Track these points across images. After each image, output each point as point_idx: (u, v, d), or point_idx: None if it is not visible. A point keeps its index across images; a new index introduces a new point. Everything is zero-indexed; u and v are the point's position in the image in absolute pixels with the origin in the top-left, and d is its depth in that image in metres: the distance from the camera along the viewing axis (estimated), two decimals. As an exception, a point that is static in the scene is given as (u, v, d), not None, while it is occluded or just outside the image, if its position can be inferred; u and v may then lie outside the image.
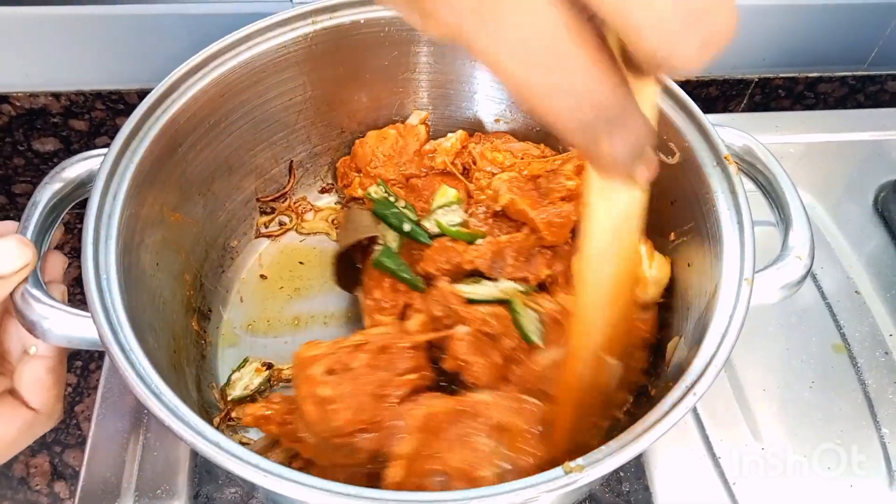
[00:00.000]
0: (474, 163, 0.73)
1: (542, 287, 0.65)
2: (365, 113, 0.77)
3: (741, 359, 0.71)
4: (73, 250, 0.85)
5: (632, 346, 0.60)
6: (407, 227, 0.67)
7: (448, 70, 0.73)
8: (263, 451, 0.58)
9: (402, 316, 0.64)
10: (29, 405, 0.51)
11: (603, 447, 0.45)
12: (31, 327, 0.49)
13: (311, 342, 0.57)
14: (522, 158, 0.72)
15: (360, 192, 0.74)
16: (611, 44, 0.29)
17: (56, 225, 0.55)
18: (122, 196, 0.54)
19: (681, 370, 0.49)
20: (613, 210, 0.39)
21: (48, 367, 0.52)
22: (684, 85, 0.74)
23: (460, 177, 0.73)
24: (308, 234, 0.78)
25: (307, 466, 0.56)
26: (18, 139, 0.86)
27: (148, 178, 0.57)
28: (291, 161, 0.77)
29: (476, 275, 0.65)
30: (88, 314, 0.48)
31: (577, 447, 0.47)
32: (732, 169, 0.56)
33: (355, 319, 0.72)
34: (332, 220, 0.79)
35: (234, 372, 0.67)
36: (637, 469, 0.65)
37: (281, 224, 0.79)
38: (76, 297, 0.74)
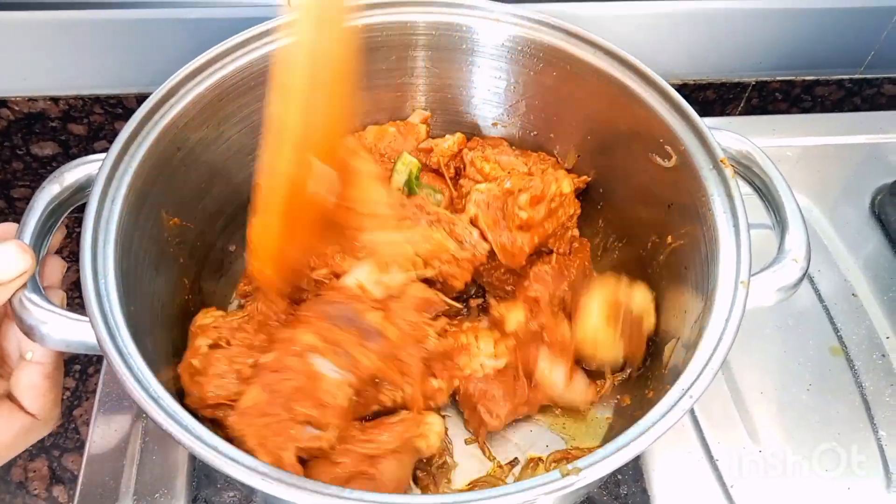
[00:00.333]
0: (464, 169, 0.74)
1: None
2: (363, 117, 0.77)
3: (738, 361, 0.71)
4: (71, 254, 0.85)
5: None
6: None
7: (445, 74, 0.74)
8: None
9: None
10: (26, 410, 0.51)
11: (600, 450, 0.45)
12: (29, 332, 0.49)
13: (206, 310, 0.63)
14: (510, 173, 0.72)
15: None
16: None
17: (55, 230, 0.55)
18: (120, 200, 0.54)
19: (678, 373, 0.50)
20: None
21: (45, 372, 0.52)
22: (681, 89, 0.74)
23: (448, 181, 0.73)
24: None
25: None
26: (17, 143, 0.87)
27: (146, 183, 0.57)
28: (290, 165, 0.77)
29: None
30: (87, 319, 0.48)
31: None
32: (729, 172, 0.57)
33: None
34: None
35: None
36: (635, 472, 0.66)
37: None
38: (74, 301, 0.74)
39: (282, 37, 0.65)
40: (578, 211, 0.70)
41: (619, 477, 0.66)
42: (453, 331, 0.65)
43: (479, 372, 0.63)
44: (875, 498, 0.65)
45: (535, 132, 0.76)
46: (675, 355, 0.58)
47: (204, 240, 0.70)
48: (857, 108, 1.03)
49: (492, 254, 0.66)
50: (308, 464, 0.54)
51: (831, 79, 0.99)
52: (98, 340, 0.47)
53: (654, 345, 0.64)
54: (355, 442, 0.56)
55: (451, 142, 0.75)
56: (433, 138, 0.77)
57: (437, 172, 0.75)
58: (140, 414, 0.66)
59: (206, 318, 0.62)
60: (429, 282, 0.64)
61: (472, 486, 0.62)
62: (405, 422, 0.58)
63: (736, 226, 0.55)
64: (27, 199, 0.54)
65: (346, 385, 0.55)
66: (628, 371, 0.66)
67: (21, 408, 0.51)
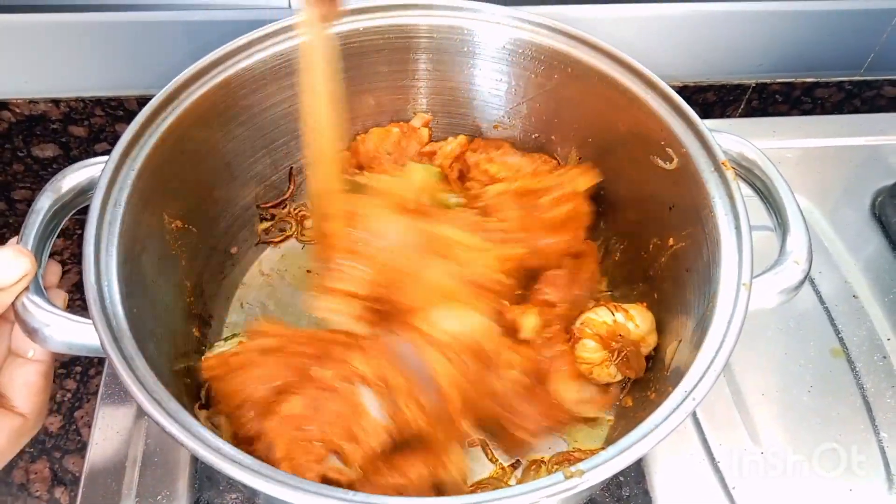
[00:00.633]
0: (469, 171, 0.74)
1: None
2: (364, 119, 0.77)
3: (740, 363, 0.71)
4: (72, 256, 0.85)
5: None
6: None
7: (447, 77, 0.74)
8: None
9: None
10: (16, 409, 0.51)
11: (603, 452, 0.45)
12: (32, 334, 0.49)
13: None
14: (517, 172, 0.72)
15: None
16: None
17: (56, 232, 0.55)
18: (123, 203, 0.54)
19: (680, 375, 0.50)
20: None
21: (42, 371, 0.52)
22: (681, 91, 0.74)
23: (455, 181, 0.73)
24: (309, 241, 0.79)
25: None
26: (18, 145, 0.87)
27: (149, 186, 0.57)
28: (291, 168, 0.77)
29: None
30: (90, 321, 0.48)
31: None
32: (730, 174, 0.57)
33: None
34: None
35: (220, 342, 0.67)
36: (637, 474, 0.66)
37: (281, 231, 0.79)
38: (76, 303, 0.74)
39: (283, 40, 0.65)
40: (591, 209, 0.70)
41: (621, 478, 0.66)
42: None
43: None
44: (877, 499, 0.65)
45: (537, 134, 0.76)
46: (676, 357, 0.59)
47: (206, 242, 0.70)
48: (857, 110, 1.04)
49: None
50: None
51: (831, 81, 0.99)
52: (101, 343, 0.47)
53: (656, 347, 0.64)
54: (381, 476, 0.54)
55: (453, 144, 0.75)
56: (435, 141, 0.78)
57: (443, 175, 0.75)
58: (142, 416, 0.66)
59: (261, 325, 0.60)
60: None
61: (475, 488, 0.62)
62: (428, 456, 0.56)
63: (738, 228, 0.55)
64: (28, 202, 0.54)
65: (384, 431, 0.52)
66: (630, 381, 0.66)
67: (10, 409, 0.51)
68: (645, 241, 0.67)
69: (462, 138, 0.76)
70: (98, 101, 0.84)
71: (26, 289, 0.49)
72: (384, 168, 0.75)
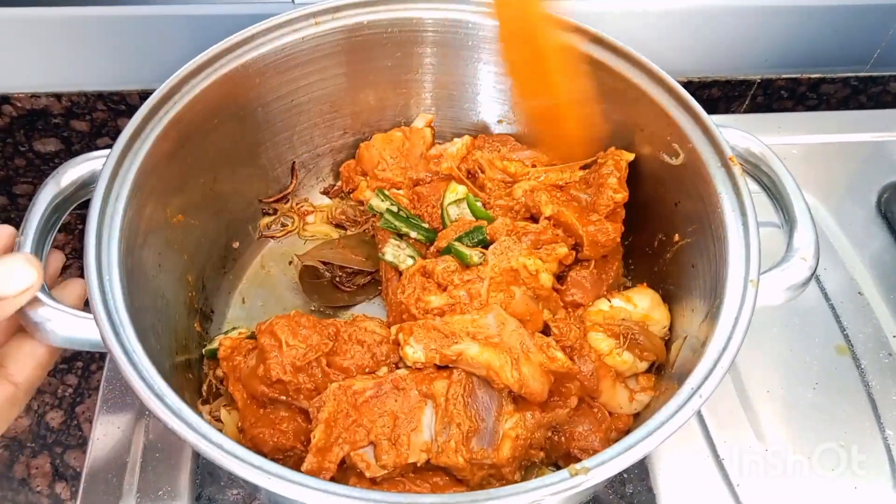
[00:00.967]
0: (482, 171, 0.73)
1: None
2: (368, 114, 0.77)
3: (745, 360, 0.71)
4: (74, 251, 0.85)
5: None
6: (414, 233, 0.69)
7: (451, 72, 0.73)
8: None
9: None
10: (10, 378, 0.50)
11: (608, 449, 0.45)
12: (34, 329, 0.48)
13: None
14: (534, 167, 0.71)
15: (366, 195, 0.74)
16: None
17: (58, 226, 0.55)
18: (124, 197, 0.54)
19: (685, 372, 0.49)
20: None
21: (50, 346, 0.51)
22: (686, 86, 0.74)
23: (466, 181, 0.72)
24: (311, 237, 0.78)
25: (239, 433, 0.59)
26: (20, 140, 0.86)
27: (150, 180, 0.57)
28: (294, 162, 0.77)
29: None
30: (91, 316, 0.48)
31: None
32: (738, 170, 0.56)
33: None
34: (338, 212, 0.79)
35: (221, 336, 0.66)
36: (641, 471, 0.65)
37: (283, 225, 0.79)
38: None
39: (286, 33, 0.65)
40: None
41: (625, 476, 0.65)
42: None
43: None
44: (882, 497, 0.65)
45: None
46: (682, 354, 0.58)
47: (208, 237, 0.69)
48: (862, 106, 1.03)
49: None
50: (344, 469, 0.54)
51: (837, 76, 0.98)
52: (102, 338, 0.47)
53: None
54: (404, 484, 0.54)
55: (459, 145, 0.74)
56: (438, 140, 0.77)
57: (452, 178, 0.74)
58: (143, 411, 0.66)
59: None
60: None
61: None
62: (454, 484, 0.56)
63: (745, 224, 0.54)
64: (30, 196, 0.54)
65: (425, 450, 0.53)
66: (656, 366, 0.64)
67: (4, 378, 0.50)
68: (650, 236, 0.67)
69: (467, 139, 0.75)
70: (100, 96, 0.83)
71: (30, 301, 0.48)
72: (388, 175, 0.75)
